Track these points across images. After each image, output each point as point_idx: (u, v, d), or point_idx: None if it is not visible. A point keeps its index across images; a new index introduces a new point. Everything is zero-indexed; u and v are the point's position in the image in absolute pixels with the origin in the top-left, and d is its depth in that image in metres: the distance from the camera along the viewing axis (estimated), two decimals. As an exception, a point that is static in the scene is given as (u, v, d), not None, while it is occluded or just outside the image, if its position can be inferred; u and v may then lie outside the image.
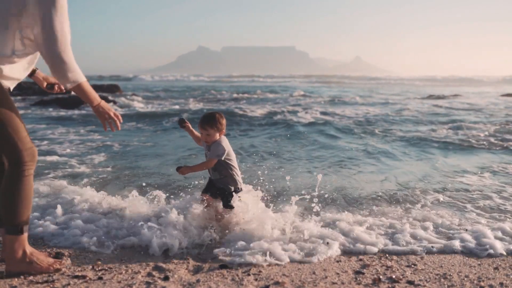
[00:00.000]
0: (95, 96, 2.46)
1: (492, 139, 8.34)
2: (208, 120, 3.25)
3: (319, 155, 6.94)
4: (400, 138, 8.71)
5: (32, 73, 2.75)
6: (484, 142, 8.03)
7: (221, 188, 3.33)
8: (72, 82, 2.33)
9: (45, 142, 8.00)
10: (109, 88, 25.31)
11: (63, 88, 2.77)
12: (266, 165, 5.87)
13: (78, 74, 2.33)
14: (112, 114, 2.52)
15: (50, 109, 14.73)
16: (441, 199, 4.37)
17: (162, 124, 11.14)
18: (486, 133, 9.25)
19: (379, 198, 4.40)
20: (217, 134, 3.27)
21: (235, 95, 24.21)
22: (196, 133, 3.50)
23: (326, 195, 4.30)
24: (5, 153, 2.38)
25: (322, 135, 9.26)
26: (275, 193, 4.40)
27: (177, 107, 16.34)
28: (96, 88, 25.76)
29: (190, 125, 3.46)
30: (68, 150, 7.11)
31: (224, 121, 3.31)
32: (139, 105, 17.47)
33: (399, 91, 33.57)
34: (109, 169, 5.69)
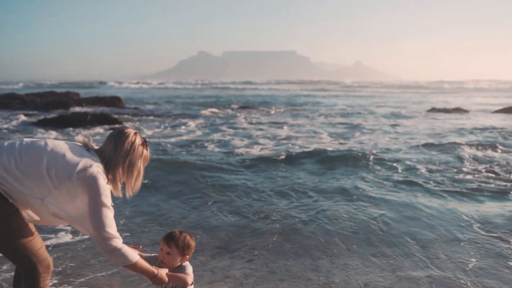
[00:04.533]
0: (150, 270, 2.60)
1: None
2: (176, 237, 2.76)
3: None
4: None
5: None
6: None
7: None
8: (127, 262, 2.49)
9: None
10: (111, 101, 23.94)
11: None
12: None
13: (131, 255, 2.49)
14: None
15: (58, 129, 14.33)
16: None
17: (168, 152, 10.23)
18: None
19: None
20: (179, 258, 2.77)
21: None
22: (144, 255, 2.81)
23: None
24: (20, 266, 2.49)
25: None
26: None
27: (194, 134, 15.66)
28: (99, 100, 24.19)
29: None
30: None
31: (193, 245, 2.81)
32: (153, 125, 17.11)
33: (403, 99, 32.71)
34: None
